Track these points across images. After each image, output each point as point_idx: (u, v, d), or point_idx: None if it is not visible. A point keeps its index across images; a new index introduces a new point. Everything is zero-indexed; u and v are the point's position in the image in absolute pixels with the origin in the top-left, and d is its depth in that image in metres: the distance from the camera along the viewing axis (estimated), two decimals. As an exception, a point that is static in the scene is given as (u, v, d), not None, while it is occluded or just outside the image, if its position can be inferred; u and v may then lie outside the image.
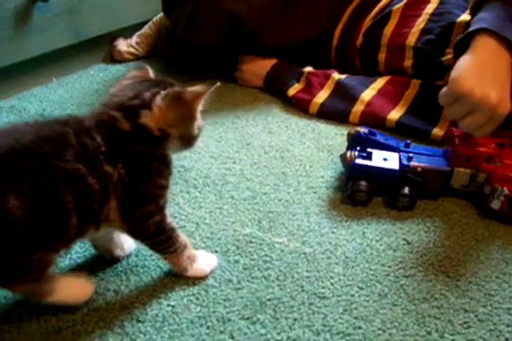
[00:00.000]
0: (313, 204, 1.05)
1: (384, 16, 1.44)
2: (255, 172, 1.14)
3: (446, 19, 1.34)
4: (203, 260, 0.89)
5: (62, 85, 1.60)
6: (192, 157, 1.19)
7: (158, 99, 0.77)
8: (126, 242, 0.91)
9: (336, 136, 1.28)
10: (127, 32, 1.80)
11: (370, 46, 1.45)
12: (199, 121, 0.82)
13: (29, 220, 0.70)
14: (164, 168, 0.81)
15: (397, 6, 1.43)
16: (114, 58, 1.77)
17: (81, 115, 0.80)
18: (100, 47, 1.76)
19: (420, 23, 1.38)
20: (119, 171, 0.76)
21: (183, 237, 0.86)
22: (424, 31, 1.37)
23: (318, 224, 1.00)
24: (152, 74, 0.86)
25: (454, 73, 0.98)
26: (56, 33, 1.57)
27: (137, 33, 1.79)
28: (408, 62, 1.39)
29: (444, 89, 0.98)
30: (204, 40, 1.46)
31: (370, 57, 1.46)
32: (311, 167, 1.16)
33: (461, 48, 1.05)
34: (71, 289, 0.81)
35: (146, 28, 1.78)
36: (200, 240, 0.96)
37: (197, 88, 0.80)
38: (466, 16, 1.30)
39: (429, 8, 1.39)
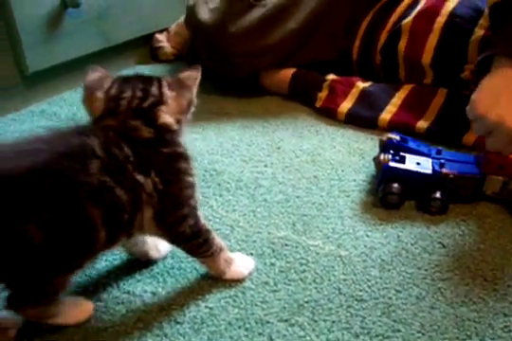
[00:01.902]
0: (346, 207, 1.05)
1: (396, 32, 1.43)
2: (287, 176, 1.15)
3: (459, 37, 1.33)
4: (240, 263, 0.89)
5: (91, 90, 1.62)
6: (224, 161, 1.19)
7: (166, 91, 0.78)
8: (161, 244, 0.92)
9: (366, 141, 1.28)
10: (150, 40, 1.83)
11: (389, 64, 1.46)
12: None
13: (52, 243, 0.69)
14: (187, 164, 0.81)
15: (406, 20, 1.41)
16: (159, 58, 1.81)
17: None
18: (128, 52, 1.78)
19: (432, 39, 1.37)
20: (154, 180, 0.75)
21: (219, 239, 0.86)
22: (438, 50, 1.36)
23: (352, 227, 1.00)
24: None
25: (474, 94, 1.00)
26: (86, 38, 1.58)
27: (173, 31, 1.82)
28: (428, 79, 1.40)
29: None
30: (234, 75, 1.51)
31: (391, 73, 1.46)
32: (343, 171, 1.16)
33: (486, 64, 1.05)
34: (73, 310, 0.81)
35: (182, 28, 1.79)
36: (235, 242, 0.96)
37: (190, 73, 0.82)
38: (478, 31, 1.30)
39: (439, 23, 1.37)
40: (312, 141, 1.28)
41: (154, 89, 0.78)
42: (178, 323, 0.81)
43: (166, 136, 0.78)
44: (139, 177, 0.74)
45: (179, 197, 0.79)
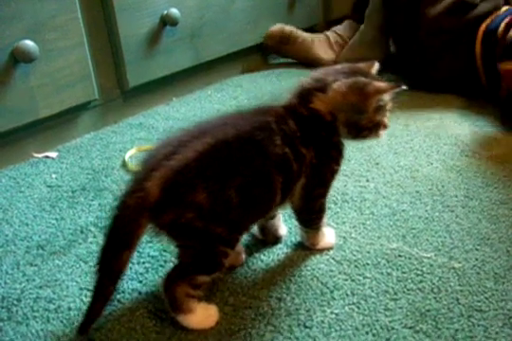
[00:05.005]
0: (452, 221, 1.09)
1: None
2: (390, 191, 1.19)
3: None
4: (329, 235, 1.02)
5: (183, 104, 1.69)
6: (327, 175, 1.25)
7: (336, 84, 0.86)
8: (283, 226, 1.05)
9: (461, 158, 1.31)
10: (239, 55, 1.91)
11: None
12: (377, 117, 0.89)
13: (242, 205, 0.81)
14: (338, 154, 0.93)
15: None
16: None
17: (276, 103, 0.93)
18: (217, 69, 1.85)
19: None
20: (311, 154, 0.87)
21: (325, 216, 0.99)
22: None
23: (460, 241, 1.03)
24: (375, 68, 0.93)
25: None
26: (180, 55, 1.67)
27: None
28: None
29: None
30: None
31: None
32: (443, 186, 1.20)
33: None
34: (205, 314, 0.87)
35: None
36: (350, 253, 1.01)
37: (382, 84, 0.87)
38: None
39: None
40: (408, 158, 1.32)
41: (330, 78, 0.87)
42: (307, 327, 0.86)
43: (321, 121, 0.88)
44: (303, 149, 0.86)
45: (324, 178, 0.92)
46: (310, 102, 0.87)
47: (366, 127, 0.89)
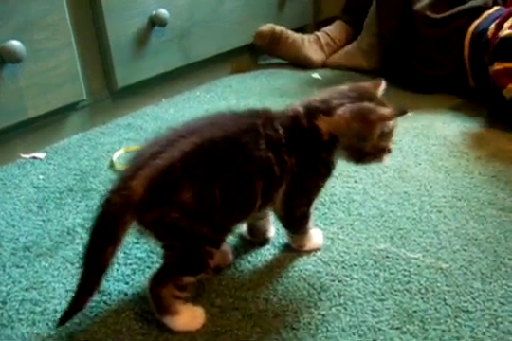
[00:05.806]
0: (440, 222, 1.09)
1: None
2: (378, 191, 1.19)
3: None
4: (316, 237, 1.02)
5: (172, 105, 1.69)
6: (315, 176, 1.25)
7: (341, 110, 0.85)
8: (272, 227, 1.05)
9: (449, 158, 1.32)
10: (229, 56, 1.90)
11: None
12: (382, 143, 0.89)
13: (225, 207, 0.82)
14: (326, 171, 0.93)
15: None
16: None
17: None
18: (206, 69, 1.85)
19: None
20: (292, 161, 0.87)
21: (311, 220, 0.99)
22: None
23: (448, 241, 1.03)
24: (381, 88, 0.92)
25: None
26: (168, 56, 1.66)
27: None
28: None
29: None
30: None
31: None
32: (431, 187, 1.20)
33: None
34: (191, 316, 0.86)
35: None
36: (337, 254, 1.00)
37: (386, 111, 0.85)
38: None
39: None
40: (396, 158, 1.32)
41: (335, 102, 0.87)
42: (294, 328, 0.86)
43: (318, 139, 0.88)
44: (286, 157, 0.86)
45: (306, 189, 0.92)
46: (314, 119, 0.87)
47: (370, 153, 0.90)
